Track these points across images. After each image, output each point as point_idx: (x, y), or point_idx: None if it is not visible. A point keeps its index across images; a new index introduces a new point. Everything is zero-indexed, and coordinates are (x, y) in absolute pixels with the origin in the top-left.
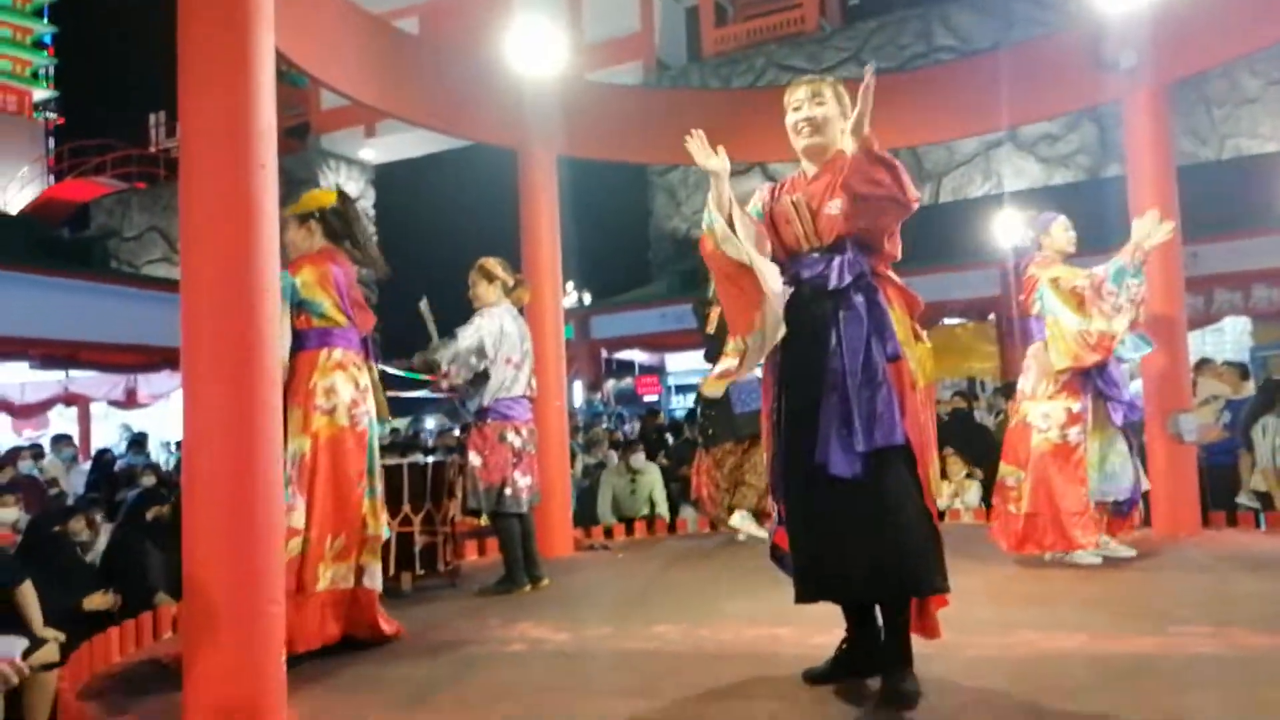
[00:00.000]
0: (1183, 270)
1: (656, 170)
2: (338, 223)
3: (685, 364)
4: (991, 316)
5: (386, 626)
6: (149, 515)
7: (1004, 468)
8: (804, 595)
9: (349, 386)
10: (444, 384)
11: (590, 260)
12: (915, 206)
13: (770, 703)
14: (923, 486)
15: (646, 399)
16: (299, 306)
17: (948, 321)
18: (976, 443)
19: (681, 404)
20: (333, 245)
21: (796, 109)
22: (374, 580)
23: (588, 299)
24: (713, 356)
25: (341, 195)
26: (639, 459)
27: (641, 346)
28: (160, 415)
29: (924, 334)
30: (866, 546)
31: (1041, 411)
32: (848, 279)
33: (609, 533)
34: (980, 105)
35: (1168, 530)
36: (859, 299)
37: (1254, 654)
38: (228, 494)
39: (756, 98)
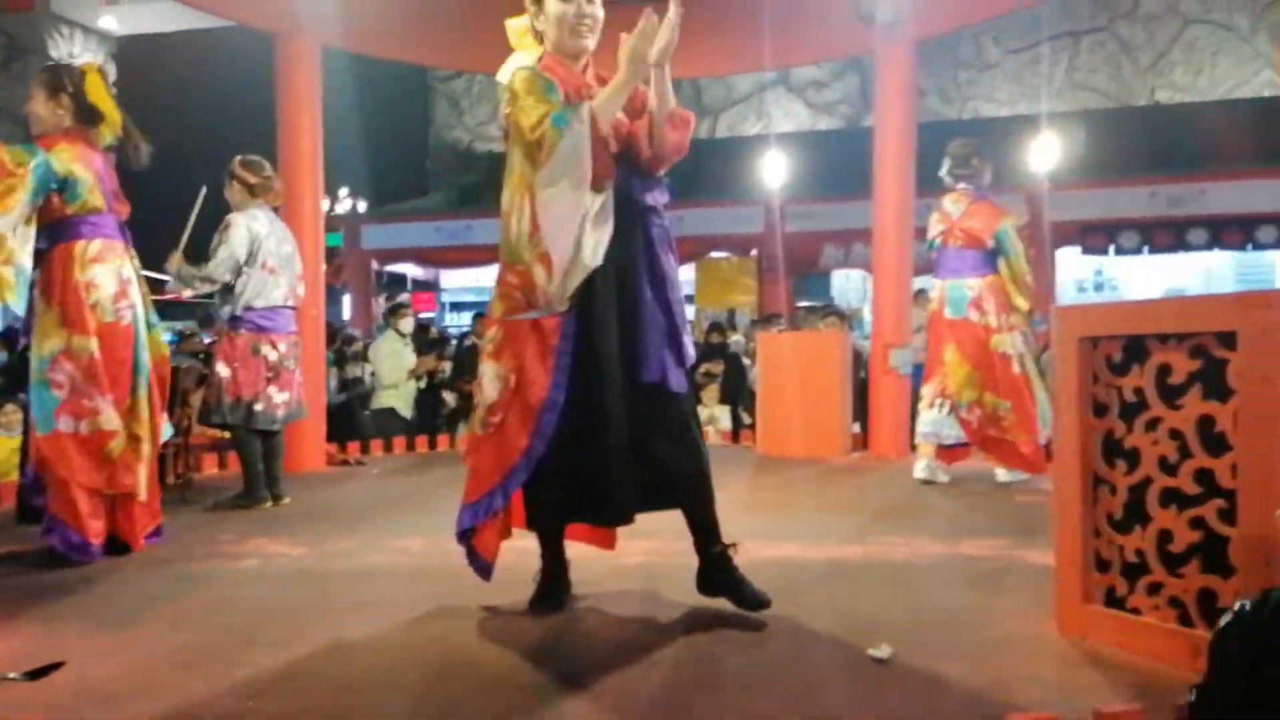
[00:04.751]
0: (912, 219)
1: (439, 76)
2: (92, 101)
3: (461, 281)
4: (754, 252)
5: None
6: None
7: (992, 399)
8: (558, 516)
9: (111, 280)
10: (185, 294)
11: (365, 166)
12: None
13: (511, 620)
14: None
15: (421, 316)
16: (58, 189)
17: (714, 255)
18: (734, 376)
19: (457, 322)
20: (84, 126)
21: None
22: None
23: (362, 206)
24: None
25: (101, 71)
26: None
27: (416, 260)
28: None
29: None
30: (677, 453)
31: (1009, 342)
32: (659, 197)
33: (365, 448)
34: (749, 44)
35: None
36: (665, 219)
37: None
38: None
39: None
